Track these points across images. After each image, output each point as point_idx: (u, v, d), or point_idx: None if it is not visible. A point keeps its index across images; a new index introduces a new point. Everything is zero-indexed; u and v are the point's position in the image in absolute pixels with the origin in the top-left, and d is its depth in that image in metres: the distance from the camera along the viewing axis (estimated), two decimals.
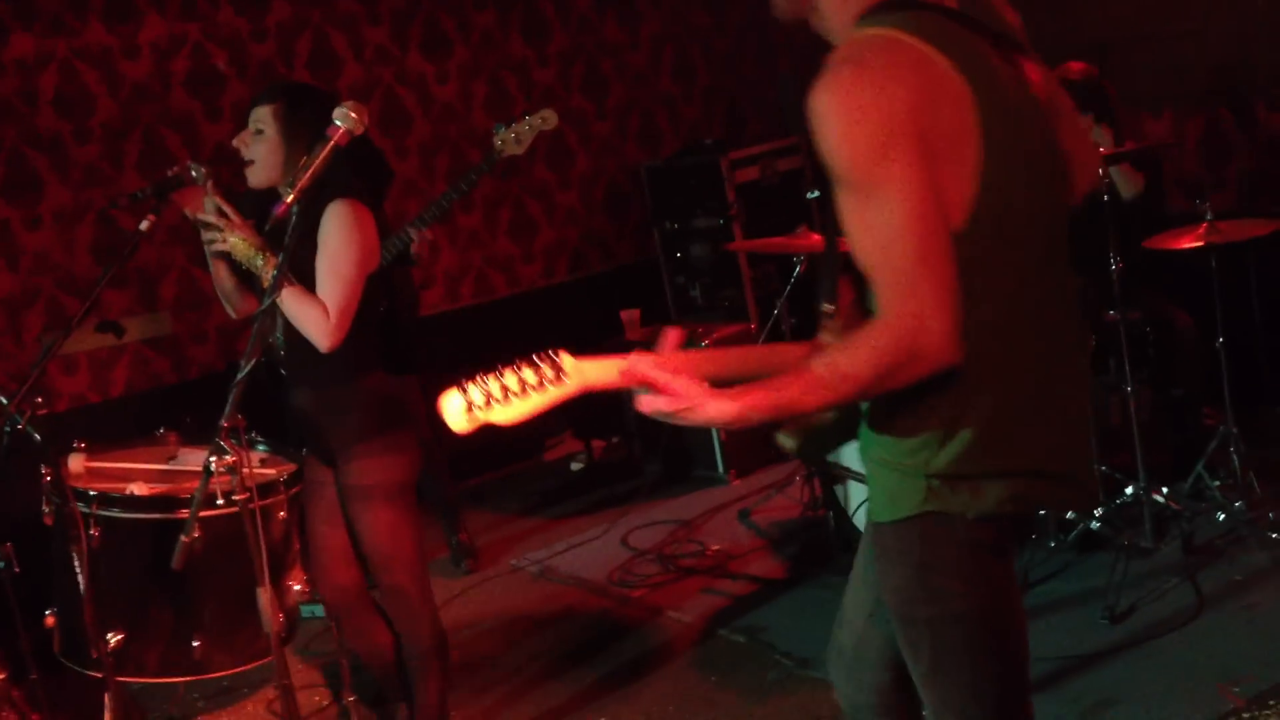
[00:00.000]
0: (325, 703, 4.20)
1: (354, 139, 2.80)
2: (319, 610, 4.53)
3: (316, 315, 3.08)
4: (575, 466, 6.37)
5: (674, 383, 1.85)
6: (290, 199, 2.49)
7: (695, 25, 7.26)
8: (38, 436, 3.21)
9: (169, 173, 3.30)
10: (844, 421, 2.08)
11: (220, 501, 2.75)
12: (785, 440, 2.10)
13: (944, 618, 1.97)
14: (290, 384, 3.35)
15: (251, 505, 2.60)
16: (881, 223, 1.77)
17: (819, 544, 4.79)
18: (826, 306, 2.03)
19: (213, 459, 2.58)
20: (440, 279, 6.45)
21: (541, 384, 1.86)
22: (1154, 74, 5.67)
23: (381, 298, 3.31)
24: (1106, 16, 5.73)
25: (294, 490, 3.35)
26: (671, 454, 5.94)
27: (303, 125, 3.16)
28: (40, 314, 5.32)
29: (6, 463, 3.18)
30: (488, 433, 1.96)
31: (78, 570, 3.06)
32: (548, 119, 4.31)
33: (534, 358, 1.87)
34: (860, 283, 1.89)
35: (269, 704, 4.22)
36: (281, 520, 3.26)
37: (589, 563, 5.12)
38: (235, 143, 3.26)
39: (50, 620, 3.31)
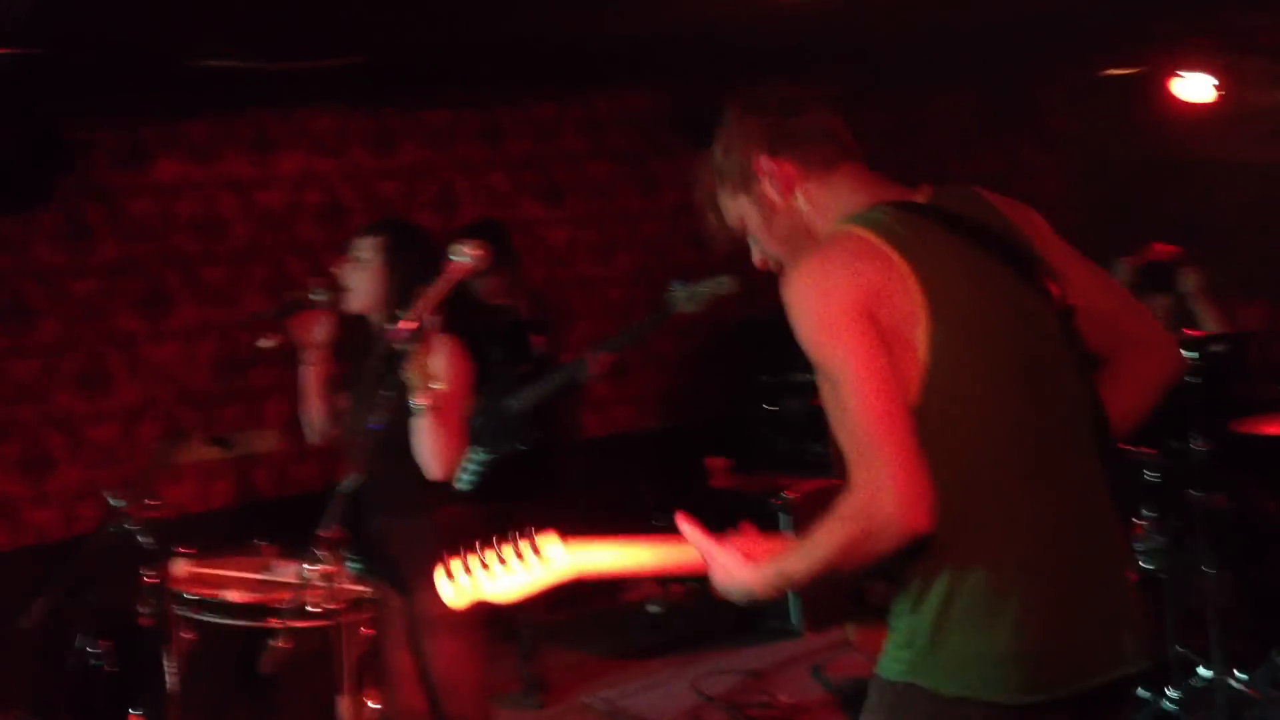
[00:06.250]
0: None
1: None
2: None
3: (449, 440, 3.21)
4: (652, 609, 6.38)
5: (716, 552, 2.03)
6: (411, 324, 2.63)
7: None
8: (140, 539, 3.40)
9: (292, 296, 3.51)
10: None
11: (319, 610, 2.84)
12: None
13: None
14: (366, 510, 3.45)
15: (343, 617, 2.71)
16: (842, 399, 1.90)
17: None
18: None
19: (308, 567, 2.70)
20: None
21: (523, 561, 2.00)
22: (1252, 261, 5.69)
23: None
24: (1207, 205, 5.79)
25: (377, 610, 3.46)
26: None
27: (404, 260, 3.36)
28: (156, 423, 5.56)
29: (109, 563, 3.35)
30: None
31: (169, 672, 3.20)
32: (726, 284, 4.19)
33: (514, 537, 2.01)
34: None
35: None
36: (364, 637, 3.37)
37: (658, 706, 5.12)
38: (334, 269, 3.44)
39: None
